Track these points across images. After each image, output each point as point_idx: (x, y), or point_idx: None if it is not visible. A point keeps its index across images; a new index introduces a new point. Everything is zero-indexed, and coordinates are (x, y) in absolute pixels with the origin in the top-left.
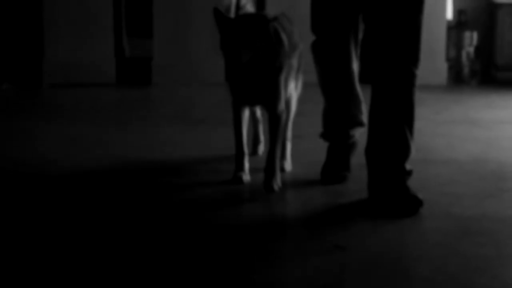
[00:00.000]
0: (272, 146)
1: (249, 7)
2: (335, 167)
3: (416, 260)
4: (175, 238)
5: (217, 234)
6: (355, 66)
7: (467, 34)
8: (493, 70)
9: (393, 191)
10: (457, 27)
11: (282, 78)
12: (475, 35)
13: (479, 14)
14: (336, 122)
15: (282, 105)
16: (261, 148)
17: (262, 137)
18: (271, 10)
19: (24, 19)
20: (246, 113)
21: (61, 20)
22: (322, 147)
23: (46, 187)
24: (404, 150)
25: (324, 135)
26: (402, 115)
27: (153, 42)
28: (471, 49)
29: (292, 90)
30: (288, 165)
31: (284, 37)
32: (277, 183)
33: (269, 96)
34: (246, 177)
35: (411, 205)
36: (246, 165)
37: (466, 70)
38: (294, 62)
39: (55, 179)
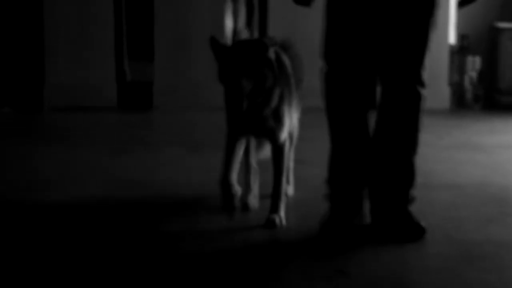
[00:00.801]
0: (277, 180)
1: (245, 33)
2: (342, 218)
3: (418, 285)
4: (179, 264)
5: (222, 260)
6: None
7: (469, 58)
8: (496, 95)
9: (396, 218)
10: (460, 52)
11: (286, 105)
12: (477, 59)
13: (481, 39)
14: (345, 177)
15: (285, 134)
16: (253, 201)
17: (256, 190)
18: (273, 33)
19: (25, 43)
20: (241, 146)
21: (62, 43)
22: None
23: (43, 212)
24: (409, 178)
25: (329, 196)
26: (408, 141)
27: (154, 66)
28: (474, 74)
29: (295, 117)
30: (291, 189)
31: (287, 62)
32: (281, 219)
33: (273, 126)
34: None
35: (414, 232)
36: (236, 195)
37: (469, 95)
38: (297, 95)
39: (53, 204)
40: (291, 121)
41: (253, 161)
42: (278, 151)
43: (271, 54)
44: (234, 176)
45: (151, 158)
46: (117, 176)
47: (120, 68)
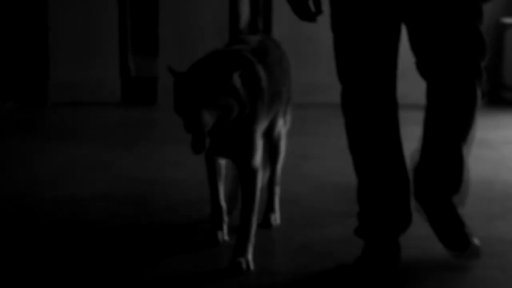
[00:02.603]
0: (246, 215)
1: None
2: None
3: (424, 282)
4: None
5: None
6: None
7: None
8: (501, 90)
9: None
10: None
11: (258, 124)
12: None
13: (487, 34)
14: (377, 216)
15: (257, 160)
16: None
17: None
18: (276, 29)
19: (29, 38)
20: (222, 163)
21: (66, 38)
22: (328, 169)
23: (44, 208)
24: (458, 177)
25: (359, 231)
26: (462, 130)
27: (159, 62)
28: None
29: (281, 127)
30: (276, 219)
31: (262, 73)
32: (248, 263)
33: (240, 149)
34: (224, 236)
35: (458, 241)
36: (225, 220)
37: None
38: (284, 93)
39: (55, 200)
40: (261, 142)
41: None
42: (247, 179)
43: (236, 80)
44: (222, 196)
45: (154, 154)
46: (120, 172)
47: (124, 64)
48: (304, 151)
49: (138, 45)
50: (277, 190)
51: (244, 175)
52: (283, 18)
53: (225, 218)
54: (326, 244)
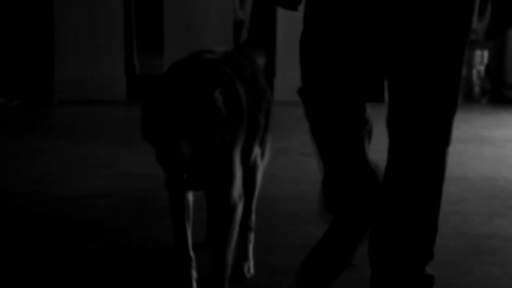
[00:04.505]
0: (221, 251)
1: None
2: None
3: None
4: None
5: None
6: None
7: (477, 52)
8: (503, 89)
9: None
10: (468, 46)
11: (238, 151)
12: (485, 53)
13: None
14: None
15: (238, 190)
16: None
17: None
18: (281, 28)
19: (34, 36)
20: (190, 198)
21: (71, 37)
22: None
23: (49, 205)
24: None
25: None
26: (426, 213)
27: (164, 60)
28: (481, 68)
29: (258, 157)
30: (250, 268)
31: (241, 90)
32: None
33: (218, 179)
34: None
35: None
36: (194, 275)
37: (476, 89)
38: (261, 118)
39: (60, 197)
40: (241, 169)
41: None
42: (226, 212)
43: (218, 99)
44: (190, 242)
45: None
46: (125, 170)
47: (129, 62)
48: (307, 149)
49: (143, 43)
50: (251, 237)
51: (223, 208)
52: (287, 17)
53: (194, 274)
54: None
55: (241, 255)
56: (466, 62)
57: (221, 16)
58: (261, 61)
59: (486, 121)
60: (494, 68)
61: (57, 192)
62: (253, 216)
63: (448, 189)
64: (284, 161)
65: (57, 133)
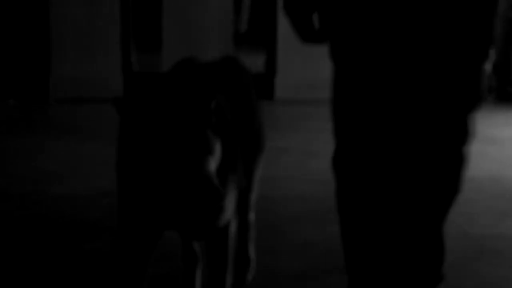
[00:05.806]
0: (219, 282)
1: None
2: None
3: None
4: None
5: None
6: None
7: None
8: (509, 87)
9: None
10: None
11: (229, 170)
12: (492, 51)
13: (496, 30)
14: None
15: (230, 214)
16: None
17: None
18: (282, 25)
19: (30, 35)
20: (151, 249)
21: (67, 35)
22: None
23: (47, 204)
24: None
25: None
26: None
27: (162, 57)
28: (488, 66)
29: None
30: (252, 271)
31: (227, 106)
32: None
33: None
34: None
35: None
36: None
37: (483, 86)
38: (249, 136)
39: (57, 197)
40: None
41: (196, 245)
42: (220, 238)
43: (212, 115)
44: None
45: None
46: None
47: (127, 59)
48: (309, 148)
49: (141, 41)
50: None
51: (215, 239)
52: None
53: None
54: (331, 242)
55: (242, 258)
56: None
57: (220, 13)
58: (260, 59)
59: (492, 120)
60: (501, 66)
61: (57, 192)
62: (253, 215)
63: None
64: (285, 161)
65: (55, 132)
